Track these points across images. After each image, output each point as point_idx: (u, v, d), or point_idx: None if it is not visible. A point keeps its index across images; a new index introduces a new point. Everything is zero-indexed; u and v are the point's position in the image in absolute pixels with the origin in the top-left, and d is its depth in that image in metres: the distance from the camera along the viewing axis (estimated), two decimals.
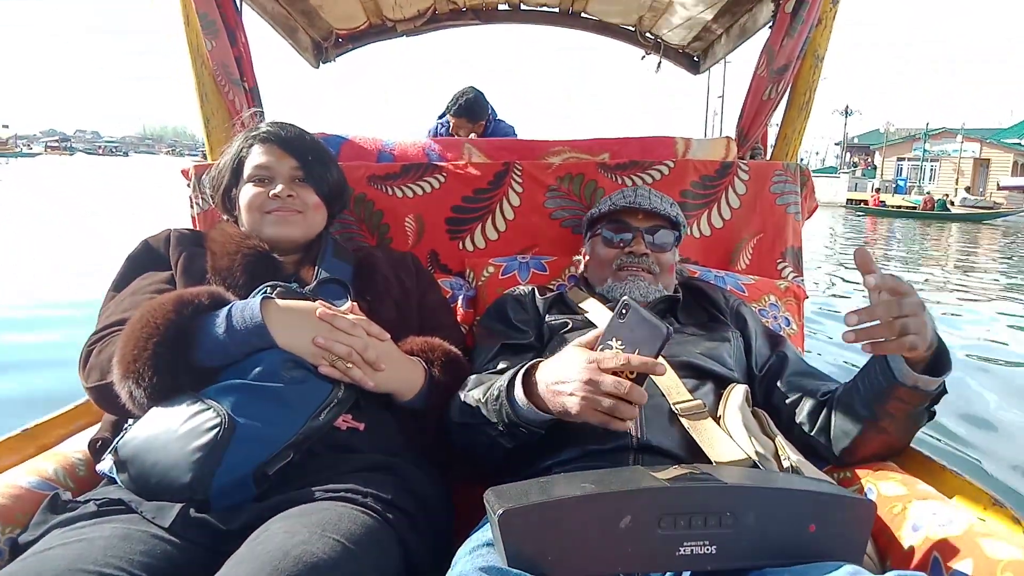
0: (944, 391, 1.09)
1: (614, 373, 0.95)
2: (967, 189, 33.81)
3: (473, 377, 1.25)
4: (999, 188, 34.37)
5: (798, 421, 1.26)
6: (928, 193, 32.45)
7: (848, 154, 51.75)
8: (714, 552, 0.84)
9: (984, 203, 30.99)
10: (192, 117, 1.97)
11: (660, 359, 1.26)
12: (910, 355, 1.02)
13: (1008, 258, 13.84)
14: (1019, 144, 41.34)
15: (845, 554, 0.87)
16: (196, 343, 1.08)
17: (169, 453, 0.99)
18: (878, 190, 35.38)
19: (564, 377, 0.99)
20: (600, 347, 0.99)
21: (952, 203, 29.62)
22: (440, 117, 4.00)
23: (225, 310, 1.11)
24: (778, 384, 1.33)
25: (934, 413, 1.13)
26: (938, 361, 1.06)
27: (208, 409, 1.02)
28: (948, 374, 1.06)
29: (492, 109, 3.87)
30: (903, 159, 43.19)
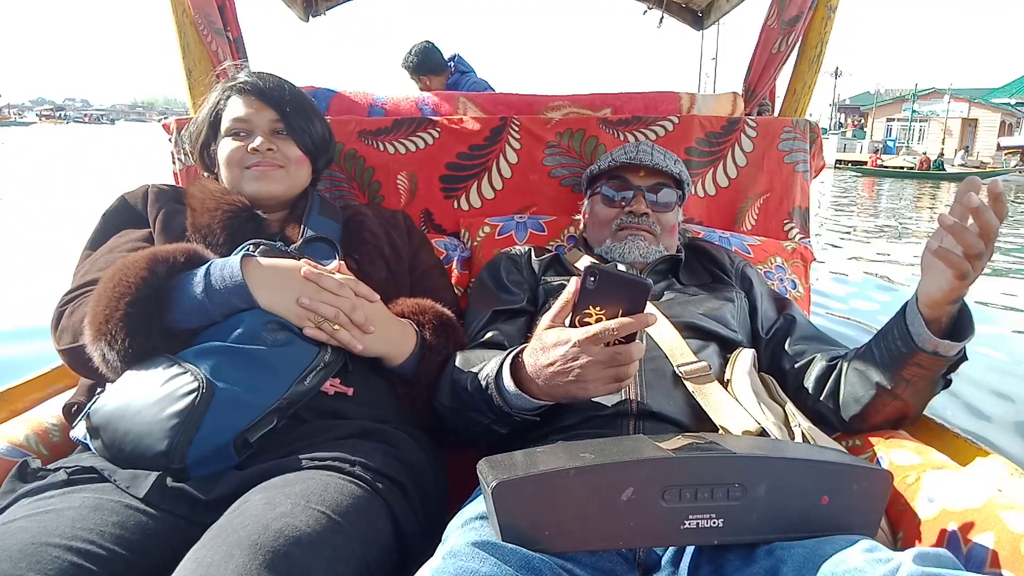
0: (965, 357, 1.03)
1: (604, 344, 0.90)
2: (966, 149, 33.95)
3: (460, 356, 1.18)
4: (999, 148, 34.60)
5: (806, 386, 1.21)
6: (925, 153, 32.70)
7: (843, 115, 51.78)
8: (721, 525, 0.79)
9: (974, 163, 31.73)
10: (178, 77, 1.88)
11: (660, 317, 1.21)
12: (943, 298, 0.95)
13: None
14: (1007, 104, 41.64)
15: (859, 527, 0.83)
16: (172, 303, 1.02)
17: (143, 419, 0.94)
18: (876, 151, 35.78)
19: (556, 364, 0.93)
20: (577, 317, 0.92)
21: (952, 164, 29.73)
22: None
23: (203, 268, 1.04)
24: (785, 348, 1.28)
25: (950, 381, 1.08)
26: (959, 324, 1.00)
27: (185, 373, 0.96)
28: (970, 339, 0.99)
29: (462, 61, 3.78)
30: (893, 120, 43.76)
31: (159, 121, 2.01)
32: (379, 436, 1.07)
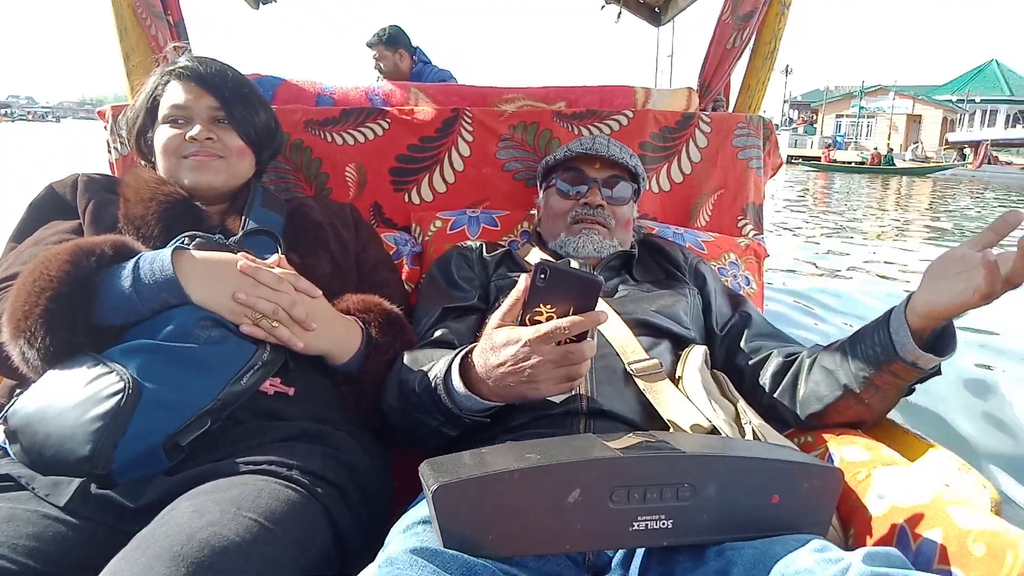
0: (938, 371, 1.02)
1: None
2: (916, 144, 35.23)
3: (408, 355, 1.14)
4: (947, 144, 35.98)
5: (761, 383, 1.20)
6: (876, 149, 33.80)
7: (796, 111, 53.18)
8: (670, 527, 0.77)
9: (919, 158, 32.93)
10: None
11: (612, 313, 1.19)
12: (948, 311, 0.91)
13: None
14: (950, 101, 43.35)
15: (810, 526, 0.81)
16: (97, 298, 0.96)
17: (64, 422, 0.87)
18: (828, 146, 37.08)
19: (507, 364, 0.89)
20: (527, 316, 0.89)
21: (903, 159, 30.85)
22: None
23: (132, 262, 0.98)
24: (740, 345, 1.27)
25: (914, 389, 1.07)
26: (942, 338, 0.98)
27: (110, 372, 0.90)
28: (951, 355, 0.98)
29: (422, 52, 3.80)
30: (842, 116, 45.23)
31: None
32: (319, 438, 1.02)
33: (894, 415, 1.18)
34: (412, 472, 1.03)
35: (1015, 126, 40.72)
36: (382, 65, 3.73)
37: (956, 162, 31.70)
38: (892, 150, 33.07)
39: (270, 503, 0.83)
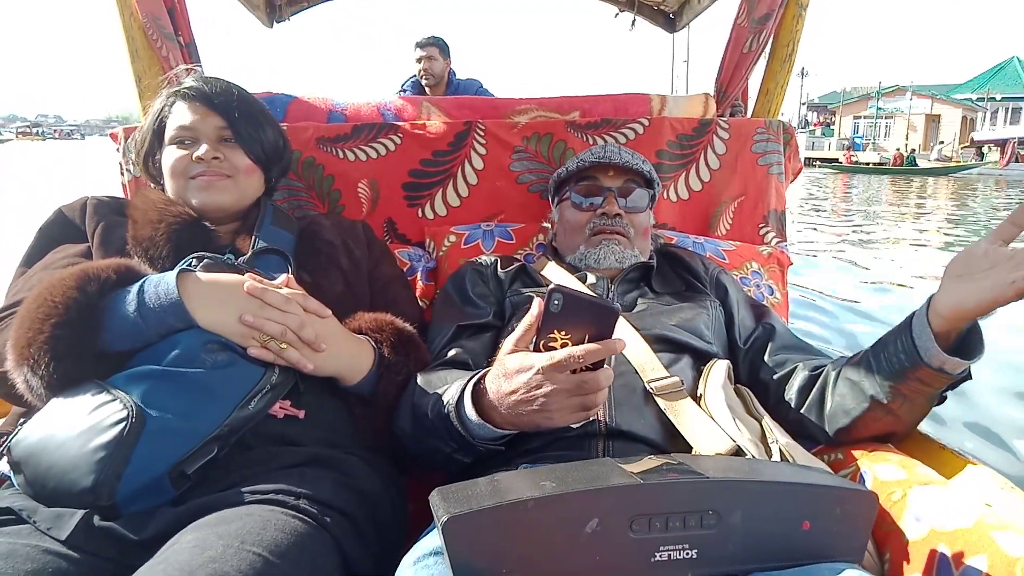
0: (969, 375, 0.96)
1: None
2: (940, 143, 34.96)
3: (421, 377, 1.10)
4: (972, 143, 35.65)
5: (787, 398, 1.15)
6: (898, 150, 33.71)
7: (814, 113, 52.91)
8: (695, 556, 0.73)
9: (943, 158, 32.85)
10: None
11: (631, 330, 1.15)
12: (977, 310, 0.87)
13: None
14: (969, 99, 42.96)
15: (844, 553, 0.77)
16: (102, 324, 0.93)
17: (67, 452, 0.85)
18: (848, 148, 37.01)
19: (519, 392, 0.86)
20: (542, 341, 0.85)
21: (928, 159, 30.89)
22: (404, 83, 3.85)
23: (136, 285, 0.96)
24: (764, 358, 1.22)
25: (945, 398, 1.02)
26: (968, 341, 0.93)
27: (114, 400, 0.87)
28: (979, 357, 0.92)
29: (452, 70, 3.75)
30: (860, 117, 44.85)
31: None
32: (330, 463, 0.99)
33: (929, 428, 1.13)
34: (426, 497, 1.00)
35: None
36: (431, 67, 3.68)
37: (975, 161, 31.31)
38: (914, 151, 32.77)
39: (276, 535, 0.80)
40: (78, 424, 0.86)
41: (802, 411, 1.12)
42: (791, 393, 1.15)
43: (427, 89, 3.71)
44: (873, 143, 40.18)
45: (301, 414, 1.03)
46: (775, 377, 1.18)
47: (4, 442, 0.97)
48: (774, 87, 1.94)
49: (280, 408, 1.01)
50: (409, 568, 0.77)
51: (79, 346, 0.91)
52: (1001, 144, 31.68)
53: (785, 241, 1.88)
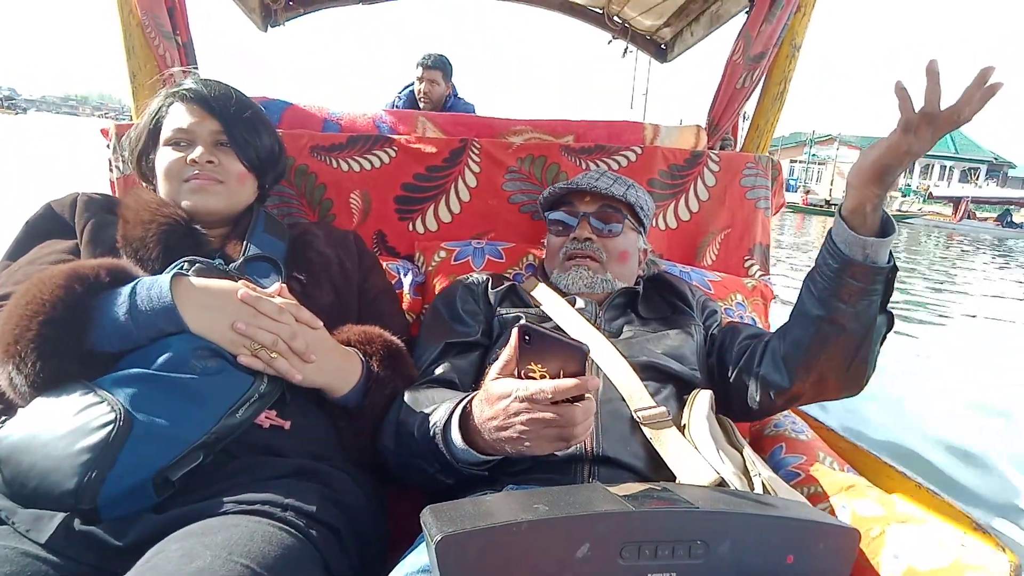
0: (895, 268, 0.99)
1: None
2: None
3: (408, 395, 1.10)
4: (930, 197, 37.09)
5: (757, 369, 1.17)
6: (807, 192, 36.60)
7: None
8: None
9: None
10: (120, 77, 1.79)
11: (618, 358, 1.16)
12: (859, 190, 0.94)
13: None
14: None
15: None
16: (92, 324, 0.92)
17: (51, 453, 0.83)
18: (807, 190, 38.99)
19: (499, 419, 0.86)
20: (522, 371, 0.85)
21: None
22: (401, 92, 3.83)
23: (128, 287, 0.95)
24: (733, 348, 1.26)
25: (892, 316, 1.03)
26: (883, 228, 0.97)
27: (101, 403, 0.86)
28: (894, 235, 0.97)
29: (453, 86, 3.74)
30: (795, 161, 47.27)
31: (93, 116, 1.90)
32: (316, 476, 0.98)
33: (904, 469, 1.15)
34: (406, 513, 1.00)
35: (966, 182, 42.78)
36: (432, 91, 3.63)
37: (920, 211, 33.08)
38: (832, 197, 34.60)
39: (263, 547, 0.79)
40: (64, 425, 0.85)
41: (762, 367, 1.16)
42: (754, 360, 1.18)
43: (422, 108, 3.70)
44: (804, 186, 42.21)
45: (287, 425, 1.02)
46: (743, 356, 1.22)
47: None
48: (764, 123, 1.99)
49: (266, 418, 1.00)
50: None
51: (66, 345, 0.90)
52: (955, 201, 32.86)
53: (768, 275, 1.91)
